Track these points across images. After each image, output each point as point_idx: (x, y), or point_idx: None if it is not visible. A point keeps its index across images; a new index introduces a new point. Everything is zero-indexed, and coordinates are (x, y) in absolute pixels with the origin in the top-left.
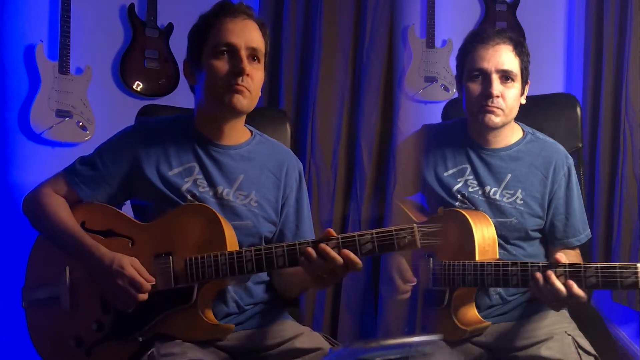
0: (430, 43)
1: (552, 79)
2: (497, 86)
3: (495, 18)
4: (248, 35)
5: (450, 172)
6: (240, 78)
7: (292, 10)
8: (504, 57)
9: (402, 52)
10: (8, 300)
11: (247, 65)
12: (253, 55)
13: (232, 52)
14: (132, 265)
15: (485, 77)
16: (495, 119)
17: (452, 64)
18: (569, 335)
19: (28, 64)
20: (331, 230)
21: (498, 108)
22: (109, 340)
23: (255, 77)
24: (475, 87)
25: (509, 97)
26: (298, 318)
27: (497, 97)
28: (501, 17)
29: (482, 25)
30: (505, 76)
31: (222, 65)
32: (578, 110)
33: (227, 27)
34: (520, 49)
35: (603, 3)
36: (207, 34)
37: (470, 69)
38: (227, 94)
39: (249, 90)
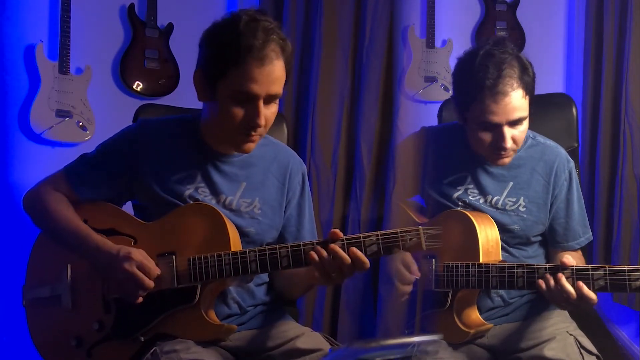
0: (430, 43)
1: (552, 79)
2: (508, 136)
3: (495, 18)
4: (271, 81)
5: (450, 179)
6: (254, 130)
7: (292, 10)
8: (515, 106)
9: (402, 52)
10: (8, 299)
11: (263, 116)
12: (271, 98)
13: (251, 100)
14: (139, 253)
15: (495, 128)
16: (507, 160)
17: (452, 64)
18: (570, 335)
19: (28, 64)
20: (337, 230)
21: (511, 150)
22: (110, 340)
23: (269, 119)
24: (485, 136)
25: (519, 136)
26: (298, 318)
27: (508, 147)
28: (501, 17)
29: (485, 23)
30: (517, 122)
31: (238, 111)
32: (574, 110)
33: (252, 75)
34: (528, 83)
35: (603, 3)
36: (228, 69)
37: (478, 120)
38: (238, 142)
39: (260, 135)
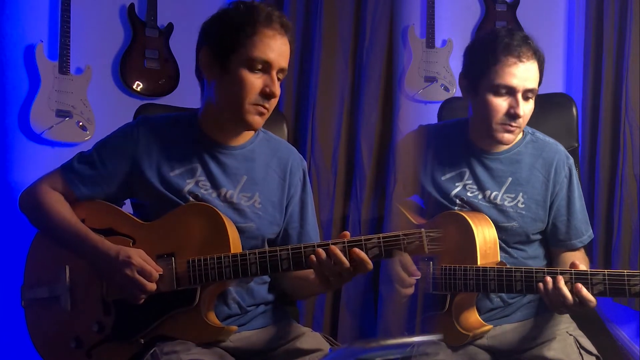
0: (430, 43)
1: (552, 79)
2: (522, 106)
3: (495, 18)
4: (283, 53)
5: (448, 176)
6: (268, 100)
7: (292, 10)
8: (532, 75)
9: (402, 52)
10: (8, 299)
11: (277, 88)
12: (280, 72)
13: (266, 69)
14: (139, 256)
15: (511, 94)
16: (512, 137)
17: (452, 63)
18: (570, 335)
19: (28, 64)
20: (347, 233)
21: (518, 127)
22: (110, 341)
23: (277, 96)
24: (499, 103)
25: (527, 114)
26: (298, 318)
27: (521, 117)
28: (501, 17)
29: (485, 23)
30: (528, 93)
31: (255, 80)
32: (574, 110)
33: (267, 41)
34: (541, 63)
35: (603, 3)
36: (243, 41)
37: (495, 83)
38: (251, 113)
39: (268, 111)
